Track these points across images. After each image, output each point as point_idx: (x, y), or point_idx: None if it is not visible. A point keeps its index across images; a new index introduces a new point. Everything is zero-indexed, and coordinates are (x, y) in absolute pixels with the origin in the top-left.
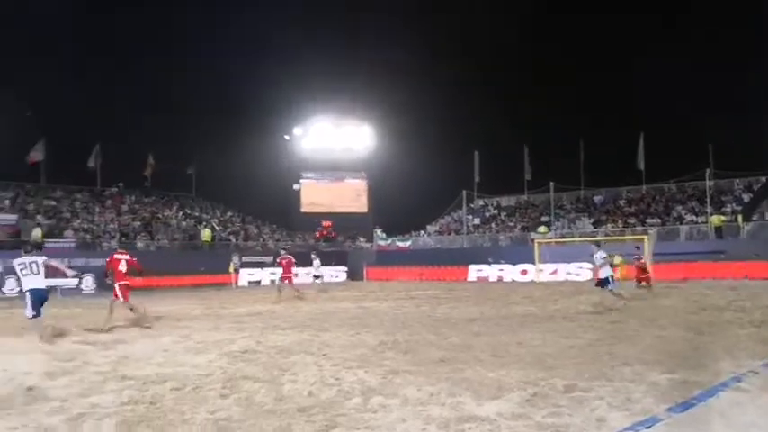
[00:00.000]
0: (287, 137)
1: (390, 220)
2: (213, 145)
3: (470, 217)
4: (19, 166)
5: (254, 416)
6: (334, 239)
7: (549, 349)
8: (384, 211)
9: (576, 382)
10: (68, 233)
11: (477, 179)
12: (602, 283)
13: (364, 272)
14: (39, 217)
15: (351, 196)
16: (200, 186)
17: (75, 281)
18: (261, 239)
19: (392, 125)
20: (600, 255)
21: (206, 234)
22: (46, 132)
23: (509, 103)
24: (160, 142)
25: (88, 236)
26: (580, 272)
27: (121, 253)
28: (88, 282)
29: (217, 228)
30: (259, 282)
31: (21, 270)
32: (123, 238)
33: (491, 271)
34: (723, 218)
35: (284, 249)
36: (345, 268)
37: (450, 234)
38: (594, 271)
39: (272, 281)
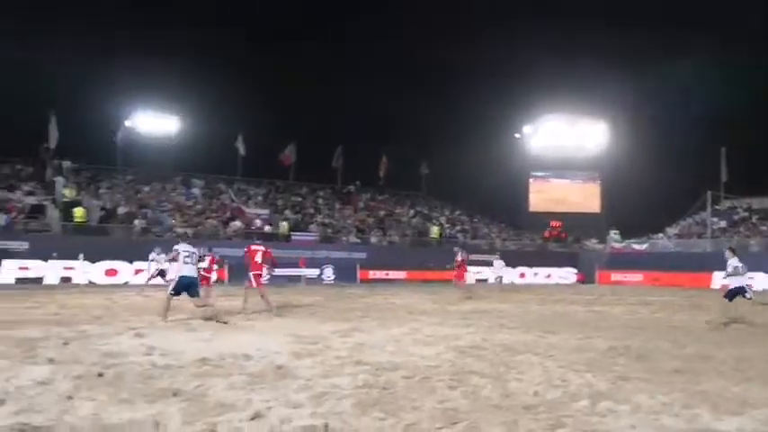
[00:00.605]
0: (517, 135)
1: (624, 220)
2: (443, 145)
3: (715, 219)
4: (271, 166)
5: (481, 409)
6: (564, 240)
7: None
8: (618, 212)
9: None
10: (312, 227)
11: (724, 178)
12: (731, 295)
13: (595, 274)
14: (286, 212)
15: (582, 196)
16: (431, 185)
17: (317, 271)
18: (489, 238)
19: (628, 121)
20: (733, 263)
21: (434, 231)
22: (296, 136)
23: (762, 93)
24: (394, 143)
25: (329, 230)
26: None
27: (258, 245)
28: (328, 272)
29: (445, 225)
30: (485, 280)
31: (185, 257)
32: (359, 234)
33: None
34: None
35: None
36: (575, 270)
37: (691, 238)
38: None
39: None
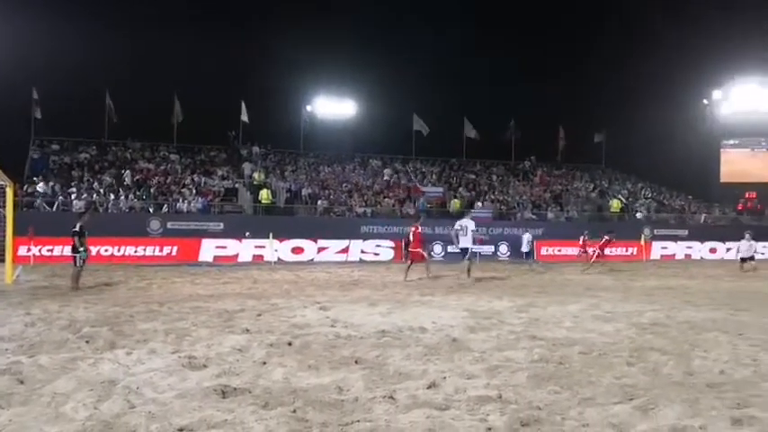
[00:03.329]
0: (705, 101)
1: None
2: (622, 114)
3: None
4: (445, 144)
5: (661, 386)
6: (760, 212)
7: None
8: None
9: None
10: (486, 204)
11: None
12: None
13: None
14: (461, 189)
15: None
16: (610, 157)
17: (492, 248)
18: (676, 211)
19: None
20: None
21: (614, 205)
22: (468, 112)
23: None
24: (570, 114)
25: (503, 207)
26: None
27: (415, 227)
28: (503, 249)
29: (625, 199)
30: (673, 255)
31: (458, 231)
32: (534, 209)
33: None
34: None
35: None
36: None
37: None
38: None
39: (687, 255)
